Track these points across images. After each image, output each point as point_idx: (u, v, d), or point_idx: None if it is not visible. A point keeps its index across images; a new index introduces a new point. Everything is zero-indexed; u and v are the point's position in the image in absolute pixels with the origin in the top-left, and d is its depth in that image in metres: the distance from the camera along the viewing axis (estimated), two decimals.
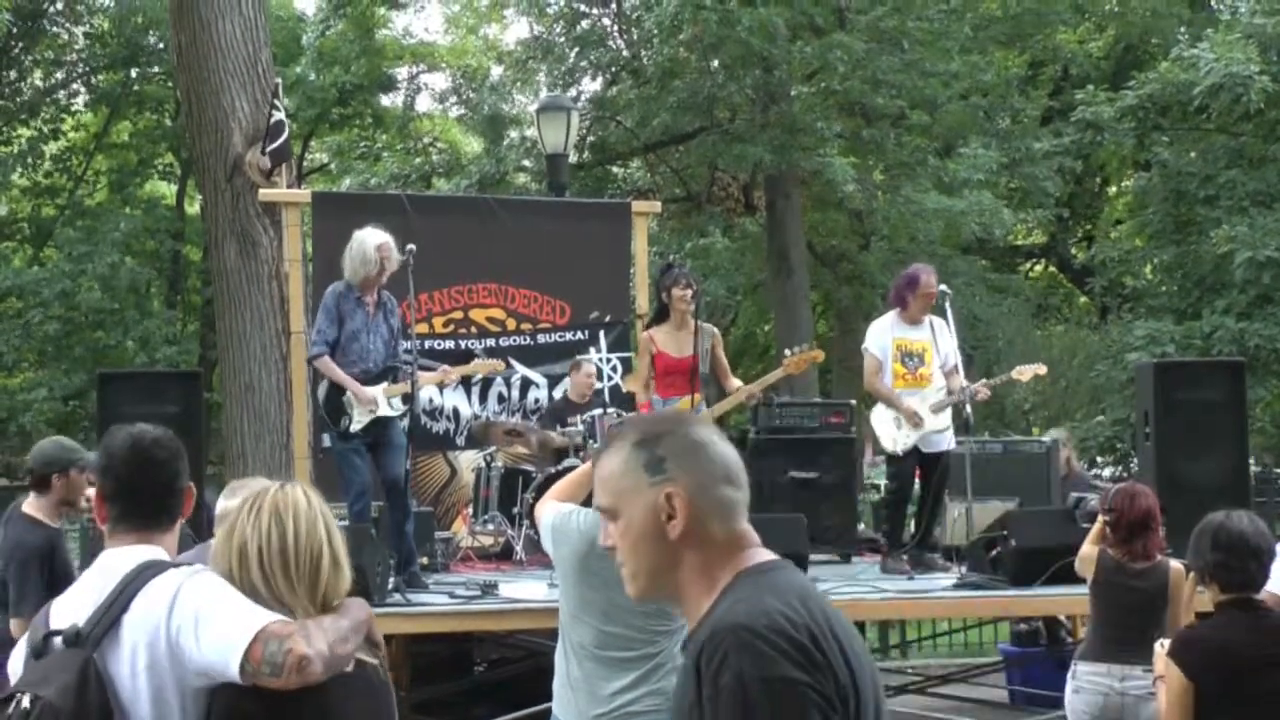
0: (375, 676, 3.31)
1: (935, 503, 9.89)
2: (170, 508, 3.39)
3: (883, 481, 21.61)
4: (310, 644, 3.04)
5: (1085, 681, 6.31)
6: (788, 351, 10.25)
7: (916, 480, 9.96)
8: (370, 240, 8.69)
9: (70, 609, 3.20)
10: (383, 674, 3.34)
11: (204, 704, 3.16)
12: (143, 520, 3.34)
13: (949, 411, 9.56)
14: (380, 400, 8.66)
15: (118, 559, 3.26)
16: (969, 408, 9.42)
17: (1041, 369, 10.14)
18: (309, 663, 3.02)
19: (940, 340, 9.64)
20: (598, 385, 11.39)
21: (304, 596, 3.22)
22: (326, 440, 10.80)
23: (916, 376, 9.67)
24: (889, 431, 9.71)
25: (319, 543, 3.28)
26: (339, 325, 8.68)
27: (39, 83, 27.66)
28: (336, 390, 8.67)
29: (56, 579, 6.19)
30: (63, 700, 3.00)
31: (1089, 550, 6.57)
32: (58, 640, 3.12)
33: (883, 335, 9.79)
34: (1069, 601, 8.78)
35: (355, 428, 8.66)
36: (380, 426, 8.73)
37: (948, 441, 9.63)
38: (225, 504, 4.88)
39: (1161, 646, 4.89)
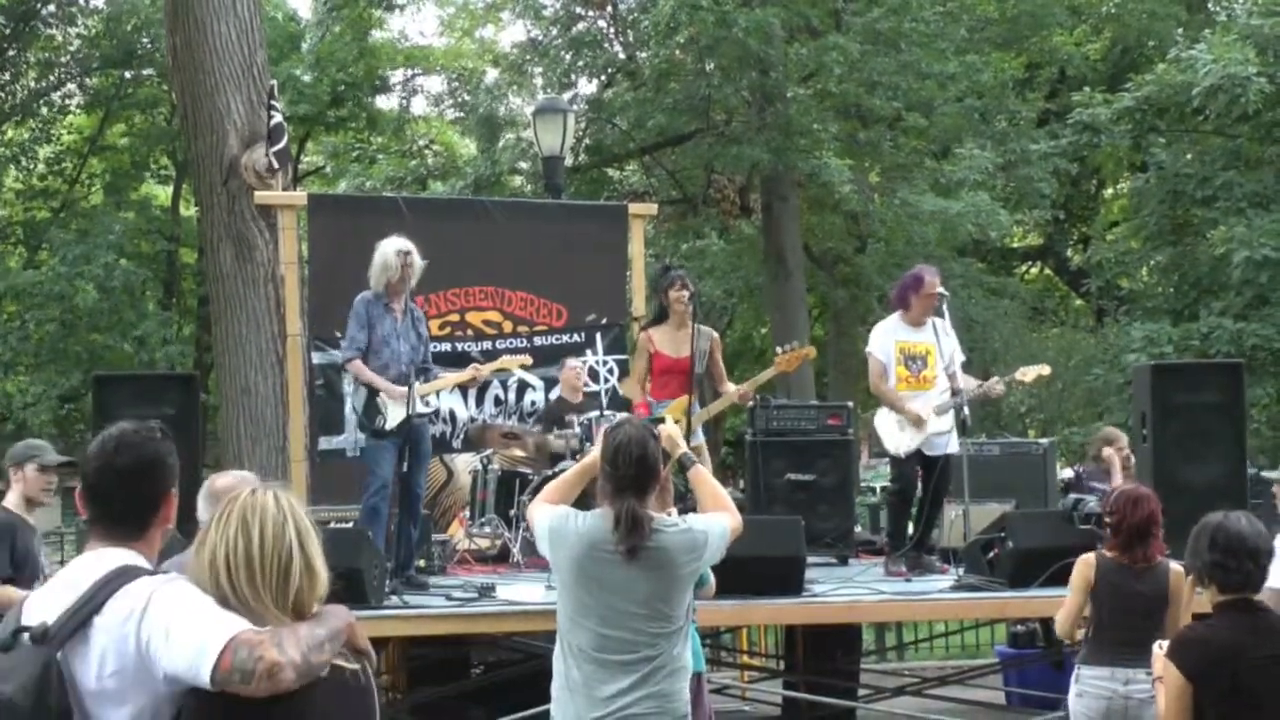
0: (353, 683, 3.26)
1: (934, 506, 9.87)
2: (140, 513, 3.34)
3: (878, 484, 21.67)
4: (282, 651, 3.03)
5: (1089, 686, 6.28)
6: (779, 349, 10.27)
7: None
8: (391, 247, 9.06)
9: (43, 606, 3.18)
10: (363, 680, 3.30)
11: (174, 709, 3.15)
12: (113, 524, 3.31)
13: (952, 414, 9.53)
14: (415, 398, 8.85)
15: (93, 561, 3.25)
16: (966, 410, 9.39)
17: (1045, 369, 10.11)
18: (280, 669, 3.01)
19: (943, 342, 9.60)
20: (593, 387, 11.39)
21: (272, 604, 3.18)
22: (323, 444, 10.87)
23: (920, 379, 9.67)
24: (892, 434, 9.72)
25: (287, 548, 3.22)
26: (368, 331, 8.97)
27: (32, 84, 27.61)
28: (371, 391, 8.95)
29: (16, 562, 6.53)
30: (23, 698, 2.99)
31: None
32: (25, 636, 3.10)
33: (886, 338, 9.80)
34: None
35: (390, 425, 8.89)
36: (413, 430, 8.98)
37: (949, 444, 9.60)
38: (202, 503, 4.87)
39: (1160, 648, 4.88)
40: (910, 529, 10.27)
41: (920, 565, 9.72)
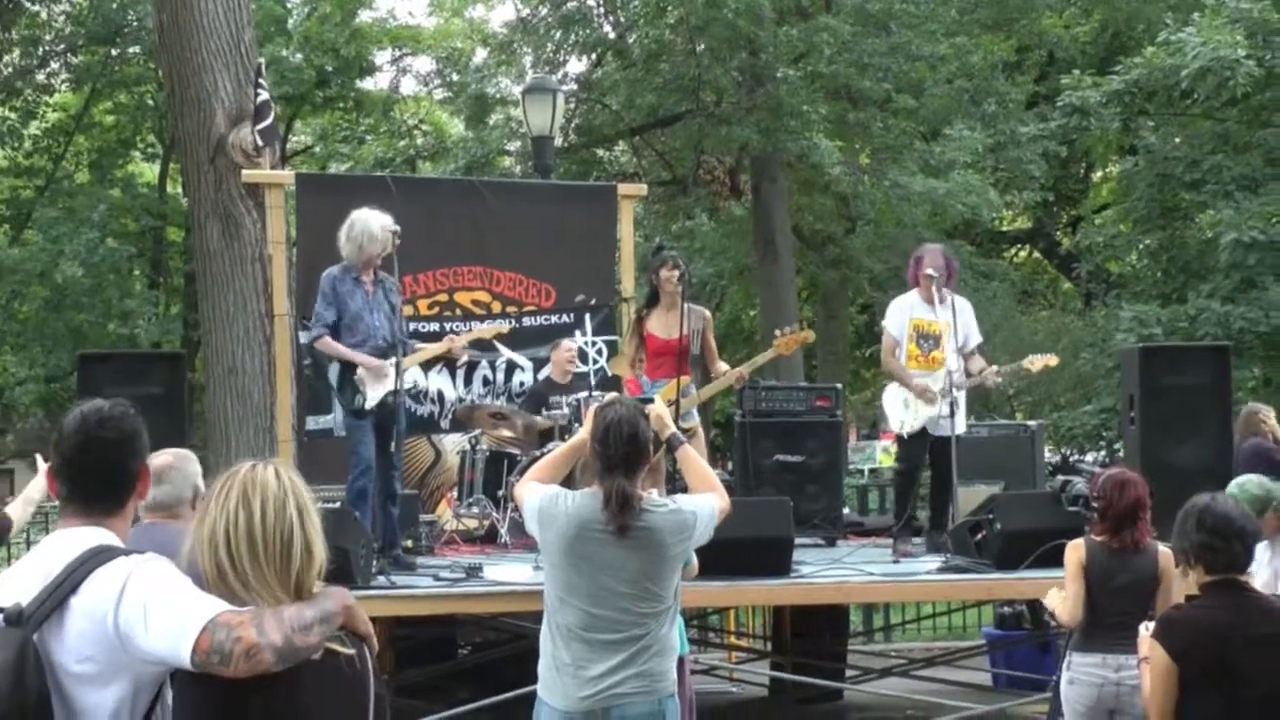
0: (347, 667, 3.23)
1: (943, 486, 9.81)
2: (118, 490, 3.31)
3: (867, 466, 21.65)
4: (262, 633, 3.01)
5: (1080, 673, 6.25)
6: (777, 332, 10.24)
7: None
8: (375, 220, 8.84)
9: (13, 587, 3.14)
10: (359, 665, 3.25)
11: (155, 689, 3.14)
12: (90, 501, 3.28)
13: (962, 395, 9.50)
14: (392, 373, 8.72)
15: (66, 540, 3.21)
16: (956, 393, 9.38)
17: (1053, 360, 10.07)
18: (258, 651, 2.99)
19: (960, 322, 9.57)
20: (582, 368, 11.37)
21: (274, 581, 3.17)
22: (311, 423, 10.84)
23: (929, 359, 9.64)
24: (897, 413, 9.71)
25: (288, 525, 3.21)
26: (338, 308, 8.79)
27: (17, 62, 27.49)
28: (347, 370, 8.78)
29: None
30: (0, 681, 2.96)
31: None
32: None
33: (901, 314, 9.81)
34: (1053, 585, 8.78)
35: (369, 405, 8.76)
36: (389, 408, 8.82)
37: (951, 425, 9.53)
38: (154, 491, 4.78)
39: (1146, 629, 4.88)
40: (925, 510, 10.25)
41: (936, 545, 9.68)
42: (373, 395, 8.76)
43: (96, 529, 3.24)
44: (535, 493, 4.98)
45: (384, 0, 30.44)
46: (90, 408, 3.34)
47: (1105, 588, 6.26)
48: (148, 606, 3.03)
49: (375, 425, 8.83)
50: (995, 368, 9.91)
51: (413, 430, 11.26)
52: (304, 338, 10.60)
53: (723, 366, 10.19)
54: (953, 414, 9.36)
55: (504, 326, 10.22)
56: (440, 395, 11.28)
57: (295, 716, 3.15)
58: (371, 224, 8.79)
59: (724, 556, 7.13)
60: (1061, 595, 6.43)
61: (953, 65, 21.11)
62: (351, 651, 3.25)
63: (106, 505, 3.29)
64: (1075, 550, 6.39)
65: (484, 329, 10.10)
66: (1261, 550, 6.49)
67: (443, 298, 11.55)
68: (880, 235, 21.40)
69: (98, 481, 3.29)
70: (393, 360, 8.77)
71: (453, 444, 11.87)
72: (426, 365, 10.34)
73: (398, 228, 8.90)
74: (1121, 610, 6.15)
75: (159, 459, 4.88)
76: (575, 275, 11.81)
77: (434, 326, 11.11)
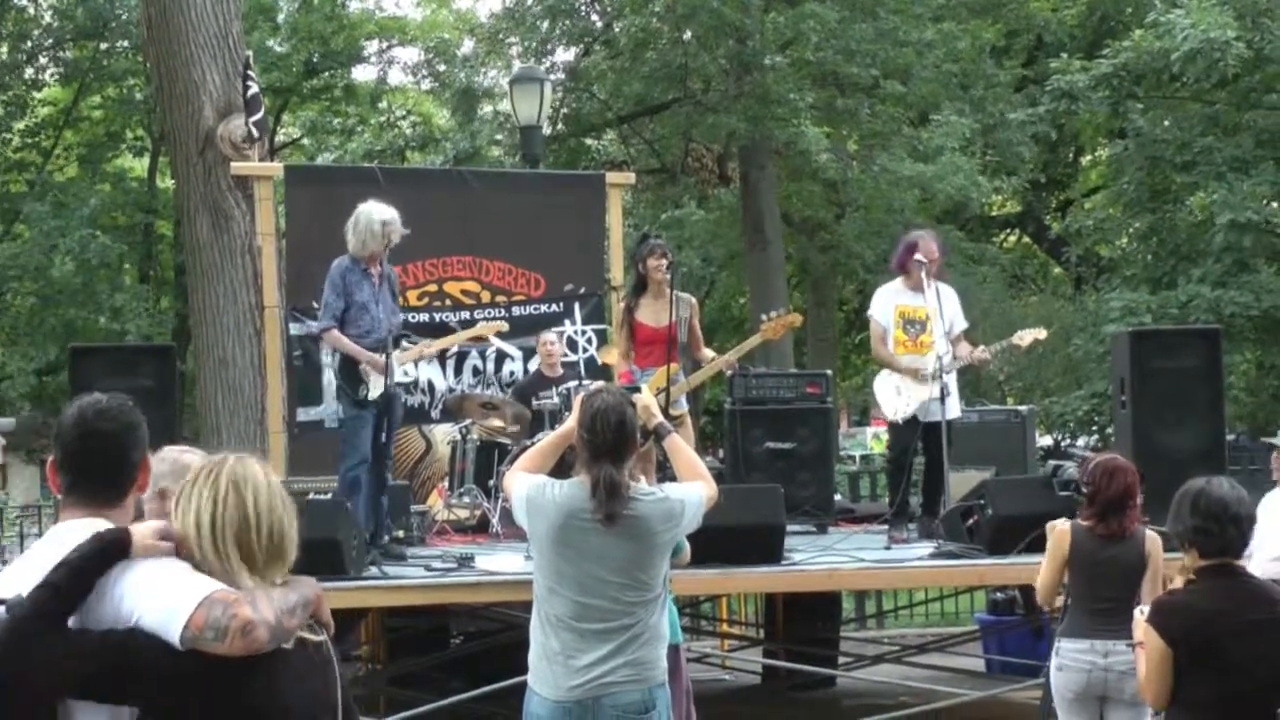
0: (316, 655, 3.25)
1: (933, 472, 9.80)
2: (119, 481, 3.32)
3: (857, 452, 21.63)
4: (256, 610, 3.02)
5: (1069, 659, 6.22)
6: (764, 316, 10.21)
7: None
8: (376, 215, 8.86)
9: (18, 578, 3.14)
10: (325, 652, 3.29)
11: None
12: (92, 492, 3.28)
13: (952, 379, 9.51)
14: (394, 366, 8.74)
15: (68, 531, 3.21)
16: (946, 377, 9.37)
17: (1041, 333, 10.07)
18: (254, 628, 3.00)
19: (945, 307, 9.57)
20: (572, 357, 11.36)
21: (267, 569, 3.18)
22: (301, 415, 10.84)
23: (917, 343, 9.66)
24: (889, 400, 9.72)
25: (278, 516, 3.23)
26: (346, 298, 8.81)
27: (4, 57, 27.42)
28: (351, 359, 8.80)
29: None
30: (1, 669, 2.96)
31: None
32: (1, 609, 3.06)
33: (886, 302, 9.83)
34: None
35: (373, 395, 8.79)
36: (389, 399, 8.85)
37: (949, 410, 9.52)
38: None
39: (1141, 614, 4.88)
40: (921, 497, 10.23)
41: (928, 531, 9.67)
42: (376, 386, 8.79)
43: (97, 520, 3.25)
44: (523, 482, 4.96)
45: None
46: (89, 400, 3.35)
47: (1092, 573, 6.25)
48: (144, 585, 3.05)
49: (375, 417, 8.86)
50: (982, 346, 9.91)
51: (403, 420, 11.25)
52: (314, 327, 10.54)
53: (708, 353, 10.16)
54: (944, 399, 9.36)
55: (504, 325, 10.21)
56: (430, 385, 11.29)
57: (272, 701, 3.15)
58: (374, 219, 8.84)
59: (716, 544, 7.13)
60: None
61: (940, 51, 21.07)
62: (321, 638, 3.29)
63: (108, 496, 3.29)
64: (1059, 534, 6.38)
65: (484, 327, 10.10)
66: None
67: (432, 288, 11.54)
68: (870, 221, 21.38)
69: (99, 473, 3.30)
70: (396, 354, 8.81)
71: (443, 434, 11.87)
72: (445, 350, 10.40)
73: (406, 230, 8.94)
74: (1109, 596, 6.14)
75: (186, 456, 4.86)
76: (564, 264, 11.81)
77: (424, 317, 11.11)
